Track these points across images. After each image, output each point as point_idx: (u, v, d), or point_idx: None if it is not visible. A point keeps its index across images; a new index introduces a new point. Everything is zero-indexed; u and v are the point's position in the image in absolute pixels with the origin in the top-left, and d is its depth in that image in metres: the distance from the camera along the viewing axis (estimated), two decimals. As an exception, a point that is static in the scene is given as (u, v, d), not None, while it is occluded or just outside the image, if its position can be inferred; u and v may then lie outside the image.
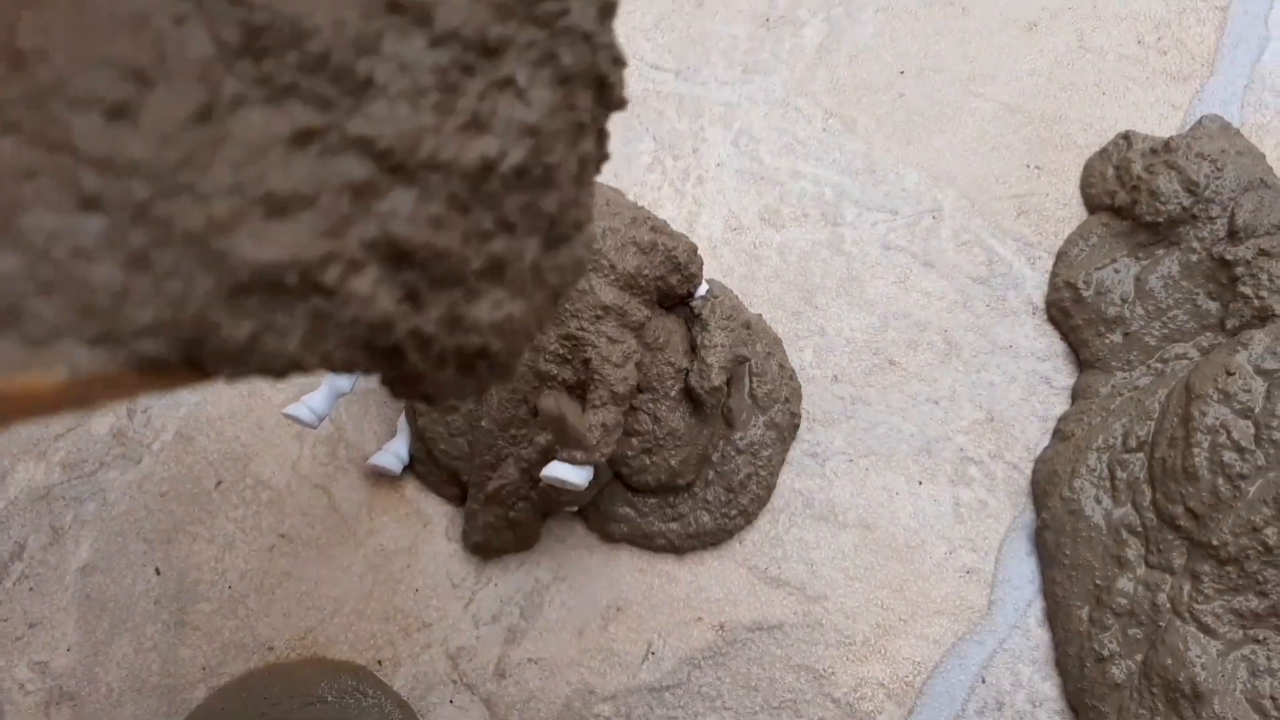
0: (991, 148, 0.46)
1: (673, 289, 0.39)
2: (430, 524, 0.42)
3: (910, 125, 0.47)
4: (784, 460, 0.41)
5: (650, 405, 0.39)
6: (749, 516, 0.40)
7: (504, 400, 0.40)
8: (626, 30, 0.51)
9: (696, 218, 0.46)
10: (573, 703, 0.39)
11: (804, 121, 0.48)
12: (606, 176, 0.46)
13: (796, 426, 0.42)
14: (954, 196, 0.46)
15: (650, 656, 0.39)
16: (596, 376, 0.37)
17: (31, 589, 0.42)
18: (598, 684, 0.39)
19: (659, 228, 0.39)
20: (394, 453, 0.42)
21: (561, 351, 0.39)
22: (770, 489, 0.41)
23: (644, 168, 0.48)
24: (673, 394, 0.40)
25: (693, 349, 0.40)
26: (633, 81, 0.49)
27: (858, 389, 0.43)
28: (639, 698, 0.39)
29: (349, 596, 0.41)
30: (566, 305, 0.38)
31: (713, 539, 0.40)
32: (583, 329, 0.38)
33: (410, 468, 0.43)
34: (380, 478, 0.43)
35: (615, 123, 0.49)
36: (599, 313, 0.38)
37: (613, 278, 0.38)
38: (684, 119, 0.48)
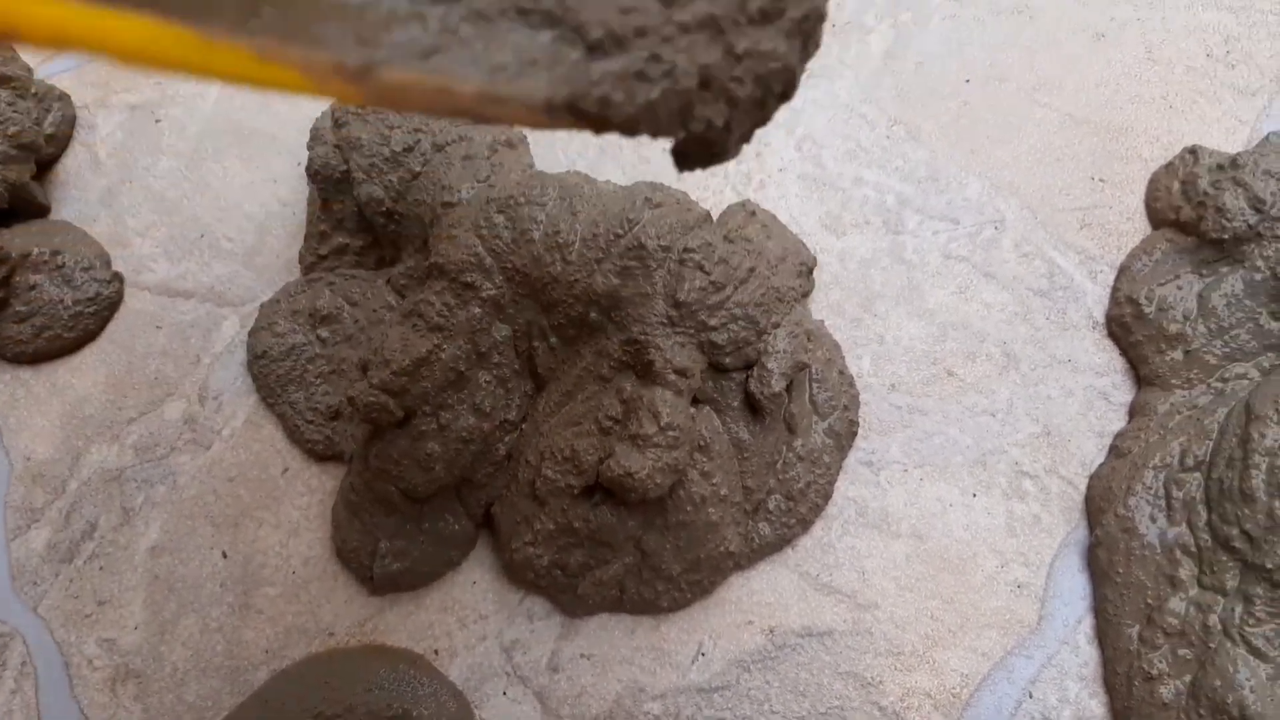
0: (1056, 159, 0.46)
1: (734, 296, 0.40)
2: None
3: (974, 134, 0.47)
4: (841, 469, 0.42)
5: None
6: (806, 525, 0.41)
7: (550, 403, 0.41)
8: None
9: (757, 222, 0.46)
10: (623, 699, 0.40)
11: (868, 128, 0.48)
12: (668, 178, 0.46)
13: (854, 434, 0.42)
14: (1016, 207, 0.45)
15: (700, 657, 0.40)
16: (660, 381, 0.38)
17: (102, 568, 0.43)
18: (648, 682, 0.40)
19: (724, 235, 0.40)
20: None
21: (624, 357, 0.39)
22: (828, 497, 0.41)
23: (705, 171, 0.48)
24: (735, 405, 0.40)
25: (752, 356, 0.40)
26: (697, 83, 0.49)
27: (915, 398, 0.43)
28: (688, 698, 0.40)
29: (408, 587, 0.42)
30: (629, 310, 0.39)
31: (773, 549, 0.41)
32: (645, 334, 0.38)
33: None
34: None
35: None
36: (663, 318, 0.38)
37: (677, 284, 0.39)
38: (747, 123, 0.48)
